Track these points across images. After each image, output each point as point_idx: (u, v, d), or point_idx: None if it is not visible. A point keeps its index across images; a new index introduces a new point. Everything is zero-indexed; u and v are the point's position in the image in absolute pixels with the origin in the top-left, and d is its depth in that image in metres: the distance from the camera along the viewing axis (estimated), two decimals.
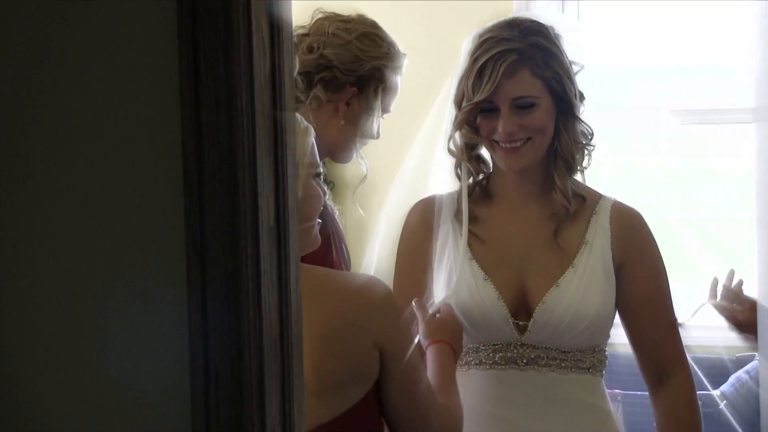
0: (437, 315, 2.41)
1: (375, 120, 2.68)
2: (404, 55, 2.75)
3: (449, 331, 2.37)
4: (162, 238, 1.53)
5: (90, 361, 1.56)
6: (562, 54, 2.41)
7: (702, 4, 4.53)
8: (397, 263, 2.57)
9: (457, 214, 2.50)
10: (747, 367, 4.05)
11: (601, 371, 2.47)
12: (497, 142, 2.42)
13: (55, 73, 1.53)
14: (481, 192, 2.53)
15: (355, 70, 2.70)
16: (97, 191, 1.54)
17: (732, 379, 4.03)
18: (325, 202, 2.72)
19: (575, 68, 2.45)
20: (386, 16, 4.56)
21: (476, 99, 2.39)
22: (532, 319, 2.40)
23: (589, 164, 2.51)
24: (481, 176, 2.53)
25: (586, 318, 2.38)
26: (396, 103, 2.79)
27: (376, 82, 2.69)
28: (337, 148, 2.69)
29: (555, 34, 2.42)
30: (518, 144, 2.39)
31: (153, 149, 1.52)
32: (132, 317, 1.55)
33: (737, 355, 4.28)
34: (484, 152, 2.54)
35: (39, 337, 1.57)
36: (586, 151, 2.47)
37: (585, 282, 2.40)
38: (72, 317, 1.56)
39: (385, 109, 2.72)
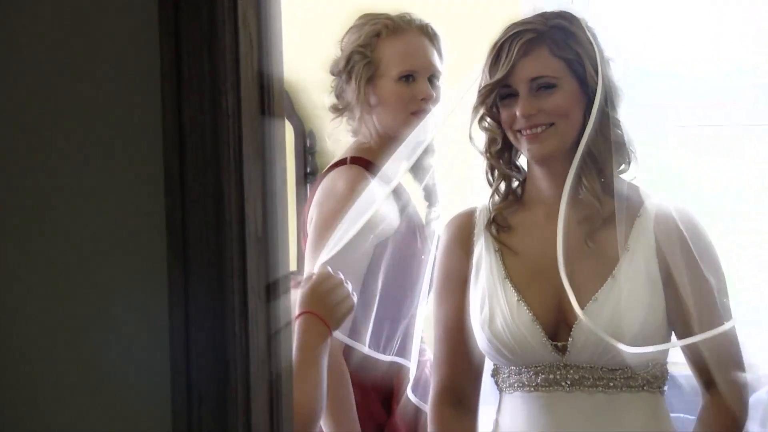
0: (308, 282, 2.33)
1: (370, 89, 2.84)
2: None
3: (316, 300, 2.27)
4: (141, 248, 1.51)
5: (61, 380, 1.54)
6: (590, 42, 2.37)
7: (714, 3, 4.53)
8: (435, 285, 2.53)
9: (489, 225, 2.45)
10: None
11: (660, 387, 2.40)
12: (520, 132, 2.38)
13: (24, 71, 1.52)
14: (514, 198, 2.48)
15: (341, 71, 2.93)
16: (67, 198, 1.52)
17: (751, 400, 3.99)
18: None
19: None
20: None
21: (492, 80, 2.35)
22: (570, 339, 2.33)
23: (636, 173, 2.42)
24: (515, 183, 2.47)
25: (630, 334, 2.31)
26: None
27: (358, 66, 2.88)
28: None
29: (587, 25, 2.39)
30: (539, 129, 2.34)
31: (131, 153, 1.50)
32: (108, 333, 1.52)
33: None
34: (521, 161, 2.49)
35: (16, 355, 1.54)
36: (630, 153, 2.41)
37: (627, 294, 2.32)
38: (46, 332, 1.54)
39: (412, 69, 2.86)
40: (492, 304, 2.40)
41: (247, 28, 1.49)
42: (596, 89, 2.38)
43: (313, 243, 2.75)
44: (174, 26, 1.46)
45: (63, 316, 1.53)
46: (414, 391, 2.72)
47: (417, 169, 2.90)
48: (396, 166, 2.77)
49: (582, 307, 2.35)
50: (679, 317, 2.40)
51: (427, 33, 2.93)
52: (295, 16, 4.43)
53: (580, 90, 2.39)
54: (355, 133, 2.95)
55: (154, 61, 1.47)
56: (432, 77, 2.90)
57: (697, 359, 2.43)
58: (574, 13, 2.45)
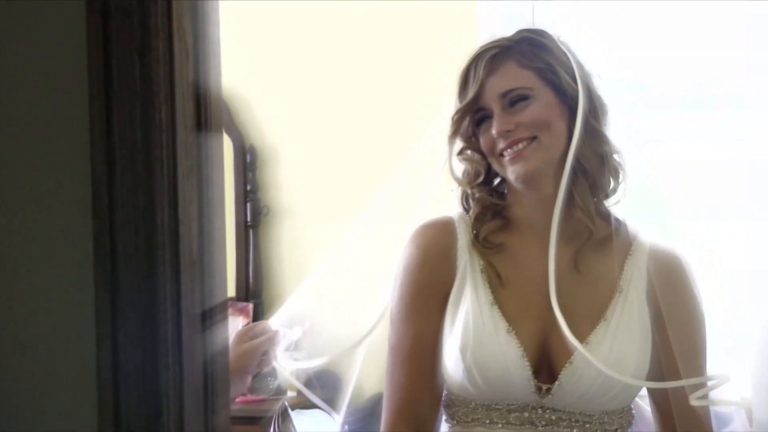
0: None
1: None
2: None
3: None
4: (66, 273, 1.49)
5: None
6: (564, 52, 2.34)
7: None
8: (403, 299, 2.44)
9: (474, 242, 2.39)
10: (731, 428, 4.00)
11: (627, 430, 2.40)
12: (502, 155, 2.34)
13: None
14: (498, 218, 2.43)
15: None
16: None
17: None
18: None
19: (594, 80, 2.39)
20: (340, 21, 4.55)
21: (462, 104, 2.33)
22: (557, 383, 2.28)
23: (622, 193, 2.38)
24: (488, 203, 2.42)
25: (620, 382, 2.29)
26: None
27: None
28: None
29: (560, 40, 2.37)
30: (521, 146, 2.30)
31: (56, 170, 1.48)
32: (30, 365, 1.50)
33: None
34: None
35: None
36: (618, 174, 2.37)
37: (619, 339, 2.28)
38: None
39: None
40: (477, 330, 2.33)
41: (183, 35, 1.48)
42: (576, 98, 2.34)
43: None
44: (103, 33, 1.44)
45: None
46: None
47: None
48: None
49: (573, 351, 2.31)
50: (657, 364, 2.37)
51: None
52: (234, 22, 4.42)
53: (558, 100, 2.34)
54: None
55: (80, 70, 1.45)
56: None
57: (663, 416, 2.42)
58: (545, 29, 2.43)
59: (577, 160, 2.33)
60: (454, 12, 4.29)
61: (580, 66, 2.39)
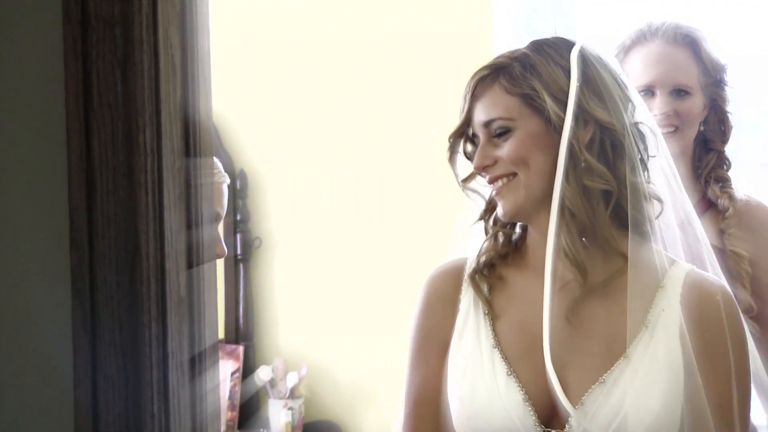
0: None
1: None
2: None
3: None
4: (41, 311, 1.49)
5: None
6: (562, 72, 2.31)
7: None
8: (411, 348, 2.48)
9: (475, 276, 2.39)
10: None
11: None
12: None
13: None
14: (513, 253, 2.43)
15: None
16: None
17: None
18: None
19: (637, 113, 2.35)
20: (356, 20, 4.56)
21: (454, 129, 2.34)
22: (567, 427, 2.29)
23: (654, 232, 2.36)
24: (501, 236, 2.42)
25: (641, 427, 2.26)
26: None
27: None
28: None
29: (582, 56, 2.32)
30: (501, 183, 2.31)
31: (31, 199, 1.48)
32: (5, 412, 1.50)
33: None
34: None
35: None
36: (643, 212, 2.33)
37: (641, 378, 2.24)
38: None
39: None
40: (476, 376, 2.33)
41: (169, 49, 1.48)
42: (557, 125, 2.32)
43: None
44: (82, 45, 1.44)
45: None
46: None
47: None
48: None
49: (585, 391, 2.30)
50: (685, 414, 2.34)
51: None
52: (224, 37, 4.41)
53: (546, 129, 2.33)
54: None
55: (57, 86, 1.46)
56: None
57: None
58: (560, 40, 2.40)
59: (561, 197, 2.31)
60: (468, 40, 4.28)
61: (596, 89, 2.36)
